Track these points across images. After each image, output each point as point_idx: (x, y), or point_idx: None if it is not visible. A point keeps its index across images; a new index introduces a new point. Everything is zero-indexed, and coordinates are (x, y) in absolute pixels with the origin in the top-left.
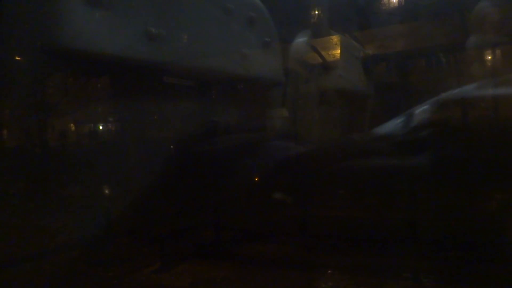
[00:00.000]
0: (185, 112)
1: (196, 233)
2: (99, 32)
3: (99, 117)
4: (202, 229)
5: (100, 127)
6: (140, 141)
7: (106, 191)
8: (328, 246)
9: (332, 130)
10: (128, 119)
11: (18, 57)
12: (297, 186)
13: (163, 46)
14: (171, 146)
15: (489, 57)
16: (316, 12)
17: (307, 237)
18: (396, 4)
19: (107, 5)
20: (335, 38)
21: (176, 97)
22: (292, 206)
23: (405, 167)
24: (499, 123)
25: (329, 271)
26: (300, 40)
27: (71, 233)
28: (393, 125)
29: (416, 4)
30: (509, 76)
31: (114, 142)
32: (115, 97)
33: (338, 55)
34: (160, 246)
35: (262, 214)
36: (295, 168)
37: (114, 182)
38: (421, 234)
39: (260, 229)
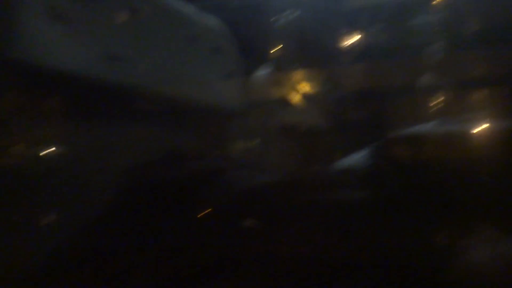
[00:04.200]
0: (145, 138)
1: (151, 269)
2: (56, 47)
3: (50, 139)
4: (159, 263)
5: (51, 150)
6: (94, 167)
7: (53, 219)
8: (291, 284)
9: (293, 162)
10: (82, 143)
11: None
12: (260, 217)
13: (124, 68)
14: (128, 173)
15: (441, 98)
16: (280, 47)
17: (269, 273)
18: (357, 44)
19: (68, 20)
20: (296, 74)
21: (136, 122)
22: (254, 238)
23: (364, 200)
24: (451, 162)
25: None
26: (263, 72)
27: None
28: (356, 158)
29: (376, 46)
30: (462, 115)
31: (65, 166)
32: (70, 118)
33: (299, 90)
34: (113, 284)
35: (222, 246)
36: (259, 198)
37: (62, 209)
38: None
39: (221, 263)
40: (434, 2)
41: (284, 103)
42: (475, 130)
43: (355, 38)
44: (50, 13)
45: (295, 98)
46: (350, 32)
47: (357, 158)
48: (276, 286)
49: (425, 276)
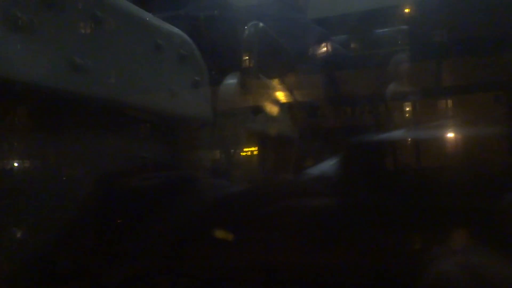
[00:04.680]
0: (112, 148)
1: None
2: (16, 57)
3: (14, 152)
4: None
5: (16, 163)
6: (60, 178)
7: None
8: None
9: (262, 170)
10: (47, 155)
11: None
12: (232, 226)
13: (88, 78)
14: (96, 183)
15: (407, 107)
16: (247, 56)
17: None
18: (324, 54)
19: (28, 29)
20: (264, 82)
21: (102, 132)
22: (225, 248)
23: (337, 208)
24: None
25: None
26: (230, 82)
27: None
28: (327, 166)
29: (341, 56)
30: (428, 124)
31: (31, 179)
32: (34, 130)
33: (266, 99)
34: None
35: (194, 256)
36: (230, 207)
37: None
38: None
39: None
40: (400, 13)
41: (253, 111)
42: (442, 136)
43: (321, 47)
44: (9, 23)
45: (264, 106)
46: (316, 41)
47: (327, 166)
48: None
49: (397, 282)
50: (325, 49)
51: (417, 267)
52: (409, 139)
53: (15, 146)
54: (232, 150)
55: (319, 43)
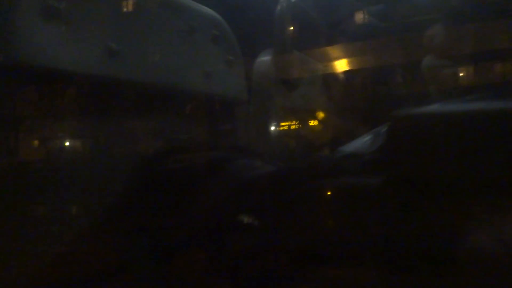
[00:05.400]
0: (149, 130)
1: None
2: (53, 46)
3: (61, 135)
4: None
5: (62, 145)
6: (103, 159)
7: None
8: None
9: (297, 148)
10: (90, 137)
11: None
12: (266, 207)
13: (125, 63)
14: (135, 165)
15: (447, 77)
16: (280, 31)
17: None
18: (358, 25)
19: (65, 19)
20: (298, 58)
21: (140, 114)
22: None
23: (372, 186)
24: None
25: None
26: (263, 58)
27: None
28: (360, 144)
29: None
30: (469, 96)
31: (77, 160)
32: (77, 114)
33: (301, 75)
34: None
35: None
36: (265, 188)
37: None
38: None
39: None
40: None
41: (288, 88)
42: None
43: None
44: (45, 13)
45: (299, 82)
46: (349, 12)
47: (362, 143)
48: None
49: (431, 258)
50: (358, 20)
51: (456, 241)
52: (458, 112)
53: (59, 129)
54: (268, 128)
55: (352, 14)
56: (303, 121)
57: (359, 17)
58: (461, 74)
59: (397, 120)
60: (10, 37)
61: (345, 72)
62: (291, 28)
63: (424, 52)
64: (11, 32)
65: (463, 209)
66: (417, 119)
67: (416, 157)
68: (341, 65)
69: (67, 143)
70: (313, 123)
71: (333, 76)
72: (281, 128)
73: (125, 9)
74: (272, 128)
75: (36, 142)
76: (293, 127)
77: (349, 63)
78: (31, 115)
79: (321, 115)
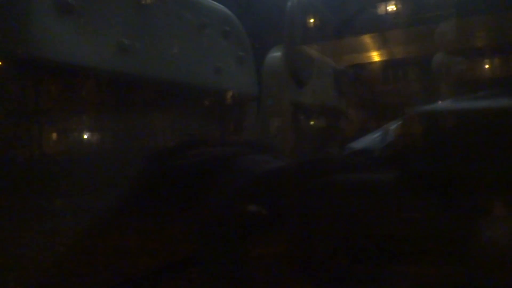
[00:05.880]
0: (160, 126)
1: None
2: (66, 41)
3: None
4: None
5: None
6: (116, 155)
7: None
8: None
9: (307, 144)
10: (103, 132)
11: None
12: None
13: (136, 58)
14: (146, 160)
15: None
16: (290, 26)
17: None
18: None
19: (78, 14)
20: (308, 54)
21: (151, 110)
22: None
23: (382, 182)
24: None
25: None
26: (274, 55)
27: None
28: (370, 140)
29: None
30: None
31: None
32: (90, 109)
33: (311, 70)
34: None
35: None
36: (275, 183)
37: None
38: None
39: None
40: None
41: (298, 84)
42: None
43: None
44: (59, 8)
45: (309, 78)
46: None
47: (371, 139)
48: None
49: (449, 250)
50: (368, 15)
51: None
52: (473, 108)
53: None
54: (278, 124)
55: (362, 9)
56: (313, 117)
57: (369, 12)
58: (475, 69)
59: (411, 117)
60: (26, 32)
61: (356, 68)
62: (301, 24)
63: (436, 47)
64: (26, 27)
65: (479, 204)
66: (432, 115)
67: (432, 153)
68: (352, 62)
69: (80, 137)
70: (323, 118)
71: (344, 72)
72: (292, 123)
73: (137, 5)
74: (282, 123)
75: (54, 135)
76: (303, 122)
77: (359, 60)
78: (47, 109)
79: (331, 110)
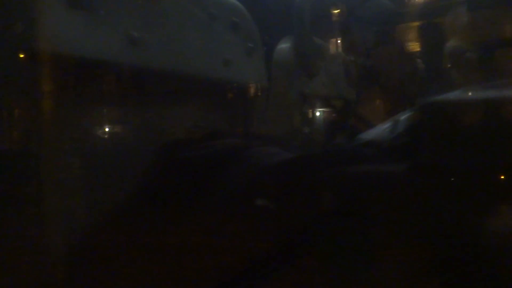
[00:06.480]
0: (170, 118)
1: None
2: (76, 34)
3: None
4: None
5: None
6: (125, 148)
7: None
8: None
9: (317, 136)
10: (112, 125)
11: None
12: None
13: (146, 51)
14: (157, 152)
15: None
16: (299, 18)
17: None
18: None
19: (89, 8)
20: (318, 45)
21: (161, 102)
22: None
23: (392, 173)
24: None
25: None
26: (283, 46)
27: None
28: (379, 131)
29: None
30: (492, 82)
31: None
32: (99, 102)
33: (321, 62)
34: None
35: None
36: (283, 175)
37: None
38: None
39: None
40: None
41: (308, 75)
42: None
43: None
44: (69, 1)
45: (319, 69)
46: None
47: (381, 130)
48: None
49: (461, 243)
50: (377, 6)
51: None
52: (489, 97)
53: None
54: (288, 115)
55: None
56: (323, 108)
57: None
58: (486, 60)
59: (424, 106)
60: (37, 26)
61: (366, 59)
62: (310, 16)
63: (446, 37)
64: (38, 22)
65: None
66: (445, 105)
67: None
68: (362, 53)
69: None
70: (332, 109)
71: (354, 63)
72: (301, 115)
73: None
74: (292, 115)
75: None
76: (313, 113)
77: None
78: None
79: (340, 101)
